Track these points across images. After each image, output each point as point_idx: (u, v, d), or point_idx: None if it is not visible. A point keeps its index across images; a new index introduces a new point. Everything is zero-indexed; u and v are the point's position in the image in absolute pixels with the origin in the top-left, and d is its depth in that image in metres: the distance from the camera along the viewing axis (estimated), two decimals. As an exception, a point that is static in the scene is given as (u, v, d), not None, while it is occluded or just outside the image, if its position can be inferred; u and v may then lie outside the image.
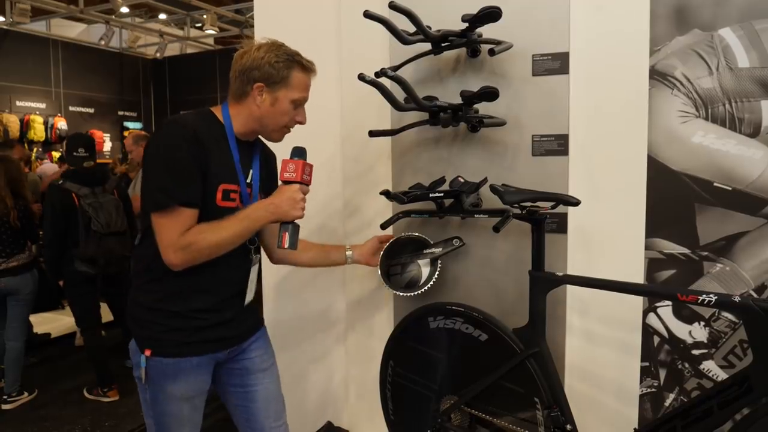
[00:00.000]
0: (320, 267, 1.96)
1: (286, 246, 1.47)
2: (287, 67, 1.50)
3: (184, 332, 1.49)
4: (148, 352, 1.48)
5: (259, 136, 1.62)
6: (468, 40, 1.79)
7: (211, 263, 1.47)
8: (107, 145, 10.24)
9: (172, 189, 1.40)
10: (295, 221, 1.48)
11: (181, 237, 1.40)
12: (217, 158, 1.48)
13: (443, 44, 1.83)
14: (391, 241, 1.93)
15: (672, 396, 1.87)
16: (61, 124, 9.31)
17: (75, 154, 3.30)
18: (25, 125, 8.82)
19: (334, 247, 1.93)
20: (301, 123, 1.57)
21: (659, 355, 1.87)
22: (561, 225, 1.84)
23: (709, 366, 1.82)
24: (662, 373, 1.88)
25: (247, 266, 1.59)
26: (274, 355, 1.74)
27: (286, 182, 1.48)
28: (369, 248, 1.90)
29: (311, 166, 1.51)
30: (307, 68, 1.54)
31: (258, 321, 1.72)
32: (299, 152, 1.52)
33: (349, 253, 1.88)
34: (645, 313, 1.87)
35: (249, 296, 1.62)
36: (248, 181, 1.57)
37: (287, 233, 1.47)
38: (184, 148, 1.41)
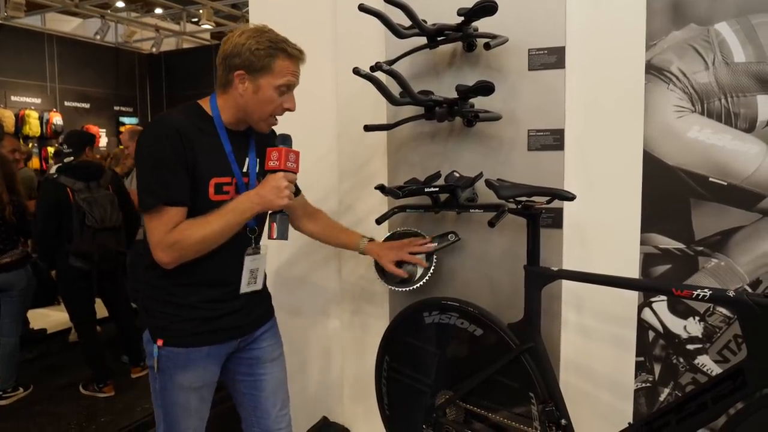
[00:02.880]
0: (331, 245, 1.96)
1: (275, 236, 1.47)
2: (269, 54, 1.45)
3: (194, 322, 1.51)
4: (160, 342, 1.50)
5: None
6: (464, 34, 1.79)
7: (217, 255, 1.47)
8: (103, 141, 10.19)
9: (156, 189, 1.41)
10: (284, 211, 1.47)
11: (168, 235, 1.41)
12: (207, 152, 1.47)
13: (439, 38, 1.82)
14: (386, 236, 1.93)
15: (667, 391, 1.88)
16: (57, 119, 9.25)
17: (61, 149, 3.35)
18: (20, 120, 8.77)
19: (349, 231, 1.92)
20: (290, 110, 1.53)
21: (654, 349, 1.88)
22: (556, 220, 1.84)
23: (704, 361, 1.82)
24: (657, 368, 1.88)
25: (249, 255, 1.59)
26: (282, 346, 1.76)
27: (271, 171, 1.46)
28: (389, 245, 1.87)
29: (296, 153, 1.48)
30: (292, 55, 1.48)
31: (269, 311, 1.74)
32: (283, 139, 1.50)
33: (363, 241, 1.85)
34: (640, 308, 1.87)
35: (254, 286, 1.61)
36: (244, 170, 1.56)
37: (275, 223, 1.46)
38: (166, 147, 1.41)
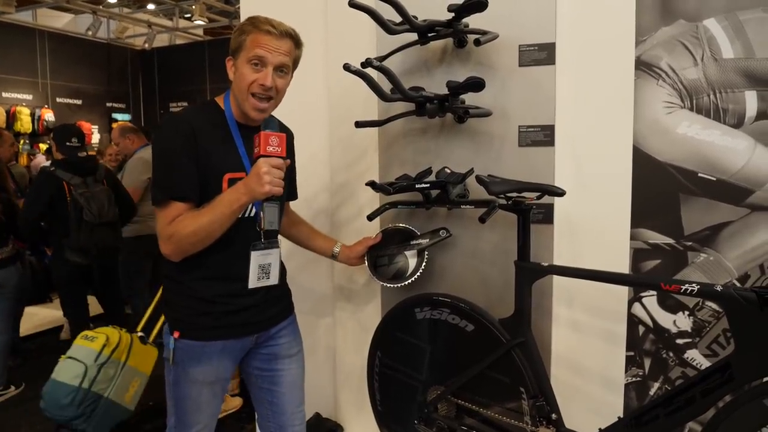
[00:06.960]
0: (306, 249, 1.96)
1: (264, 226, 1.45)
2: (242, 32, 1.47)
3: (210, 316, 1.52)
4: (176, 334, 1.52)
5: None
6: (454, 30, 1.79)
7: (229, 249, 1.49)
8: (95, 137, 10.13)
9: (165, 184, 1.45)
10: (272, 198, 1.42)
11: (166, 227, 1.44)
12: (219, 148, 1.49)
13: (430, 34, 1.82)
14: (377, 233, 1.93)
15: (657, 385, 1.89)
16: (49, 115, 9.19)
17: (68, 144, 3.24)
18: (11, 117, 8.71)
19: (325, 237, 1.94)
20: (264, 85, 1.45)
21: (644, 344, 1.89)
22: (547, 215, 1.85)
23: (693, 355, 1.83)
24: (647, 363, 1.89)
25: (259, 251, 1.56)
26: (302, 343, 1.76)
27: (257, 158, 1.41)
28: (356, 252, 1.89)
29: (279, 136, 1.40)
30: (262, 29, 1.45)
31: (287, 307, 1.74)
32: (266, 123, 1.46)
33: (336, 249, 1.89)
34: (630, 303, 1.88)
35: (266, 281, 1.58)
36: None
37: (262, 212, 1.45)
38: (177, 143, 1.44)
